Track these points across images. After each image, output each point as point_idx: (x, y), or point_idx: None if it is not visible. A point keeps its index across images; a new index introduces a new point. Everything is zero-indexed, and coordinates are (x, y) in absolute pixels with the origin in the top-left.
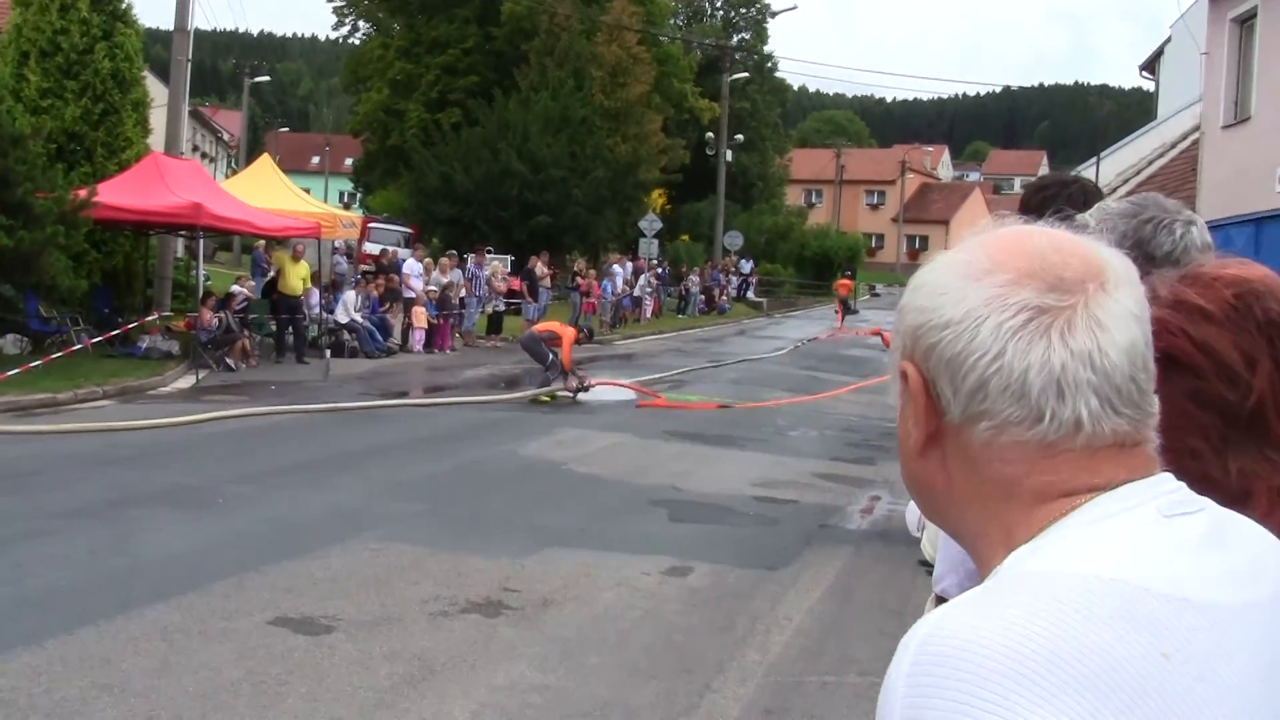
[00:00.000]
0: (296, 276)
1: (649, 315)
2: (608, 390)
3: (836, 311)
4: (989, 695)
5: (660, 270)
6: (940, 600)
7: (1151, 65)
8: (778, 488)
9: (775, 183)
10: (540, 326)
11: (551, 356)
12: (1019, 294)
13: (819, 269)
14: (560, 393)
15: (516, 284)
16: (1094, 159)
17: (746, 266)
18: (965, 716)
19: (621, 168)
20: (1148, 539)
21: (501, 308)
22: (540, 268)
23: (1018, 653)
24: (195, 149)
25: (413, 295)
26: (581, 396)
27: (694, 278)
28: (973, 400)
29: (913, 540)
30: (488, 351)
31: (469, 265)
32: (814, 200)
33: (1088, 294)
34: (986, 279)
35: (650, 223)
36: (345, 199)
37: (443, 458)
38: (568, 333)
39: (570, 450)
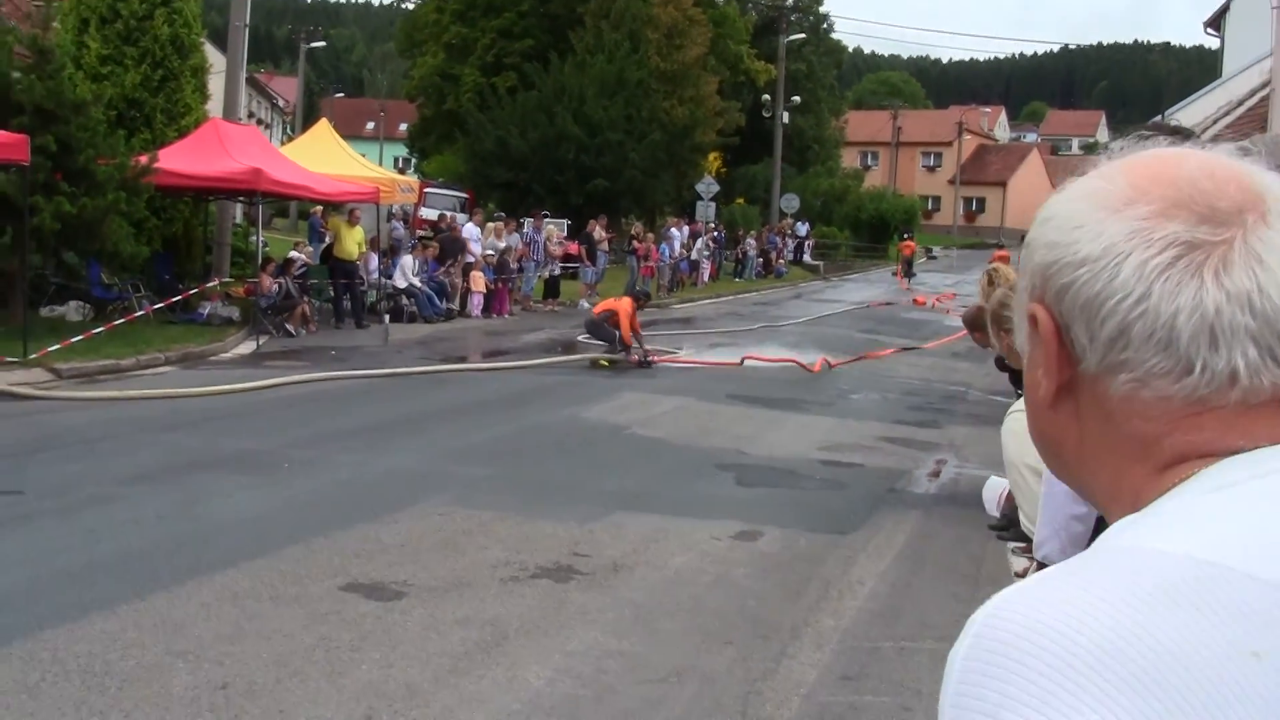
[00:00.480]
0: (353, 241)
1: (706, 279)
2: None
3: (897, 273)
4: (1032, 693)
5: (717, 233)
6: (1041, 568)
7: (1216, 21)
8: (843, 451)
9: (831, 145)
10: (600, 306)
11: (617, 334)
12: (1166, 227)
13: (875, 232)
14: (618, 357)
15: (574, 248)
16: (1157, 117)
17: (803, 229)
18: (1006, 713)
19: (677, 131)
20: (1270, 515)
21: (558, 272)
22: (598, 231)
23: (1071, 644)
24: (251, 115)
25: (471, 260)
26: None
27: (750, 241)
28: (1112, 348)
29: (982, 504)
30: (545, 316)
31: (526, 229)
32: (870, 163)
33: (1246, 226)
34: (1128, 210)
35: (707, 186)
36: (400, 164)
37: (505, 422)
38: (624, 305)
39: (633, 414)
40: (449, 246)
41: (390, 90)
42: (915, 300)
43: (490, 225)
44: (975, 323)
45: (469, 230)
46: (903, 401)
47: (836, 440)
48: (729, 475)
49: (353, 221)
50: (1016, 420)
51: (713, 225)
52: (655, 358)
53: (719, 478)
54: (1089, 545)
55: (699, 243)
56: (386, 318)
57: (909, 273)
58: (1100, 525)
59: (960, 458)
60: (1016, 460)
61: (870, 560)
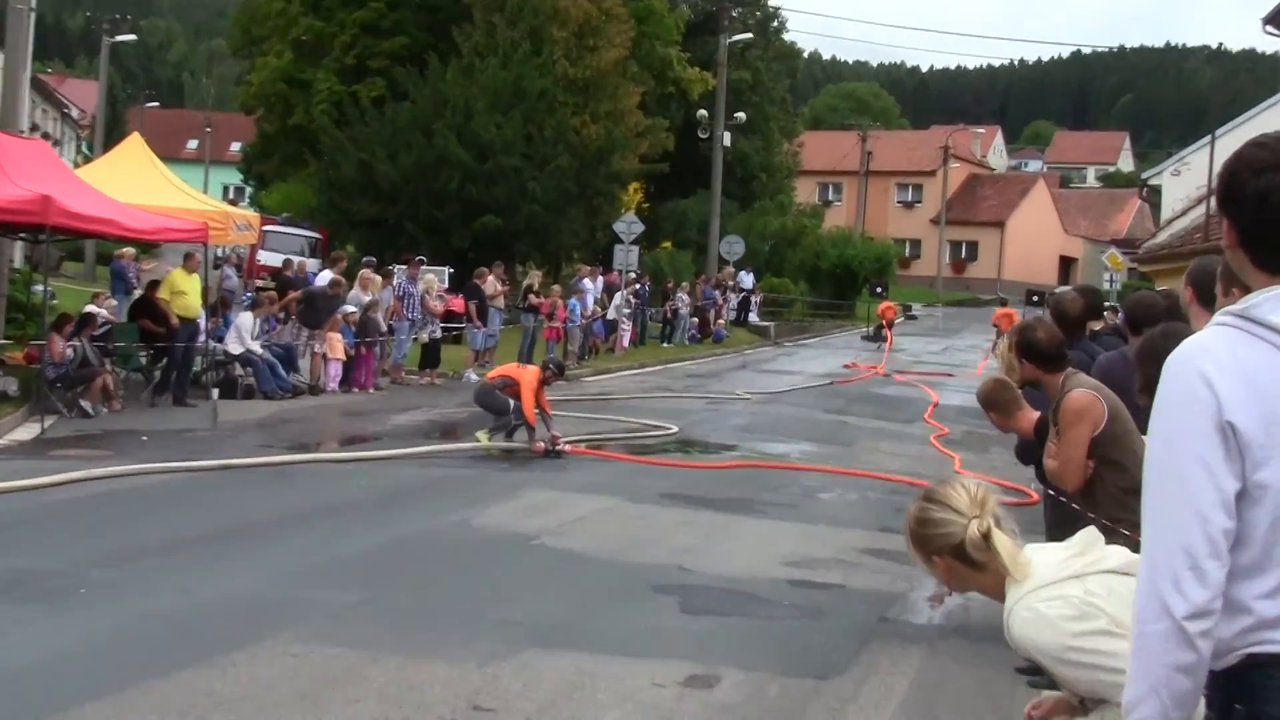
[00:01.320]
0: (195, 294)
1: (626, 344)
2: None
3: (886, 339)
4: None
5: (640, 286)
6: None
7: (1277, 19)
8: (817, 568)
9: (783, 175)
10: (495, 372)
11: (512, 404)
12: None
13: (839, 285)
14: (517, 445)
15: (457, 303)
16: (1207, 138)
17: (748, 281)
18: None
19: (590, 155)
20: None
21: (438, 334)
22: (492, 283)
23: None
24: (35, 128)
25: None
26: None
27: (682, 296)
28: None
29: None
30: (422, 390)
31: (398, 280)
32: (832, 197)
33: None
34: None
35: (628, 225)
36: (232, 194)
37: (377, 530)
38: (527, 374)
39: (542, 519)
40: (320, 304)
41: (219, 100)
42: (881, 372)
43: (363, 275)
44: (993, 399)
45: (323, 278)
46: (888, 502)
47: (807, 553)
48: (671, 600)
49: (191, 268)
50: (1028, 608)
51: (634, 275)
52: (567, 445)
53: (658, 603)
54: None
55: (617, 298)
56: (215, 392)
57: (877, 337)
58: (1213, 679)
59: None
60: (1053, 650)
61: (864, 713)
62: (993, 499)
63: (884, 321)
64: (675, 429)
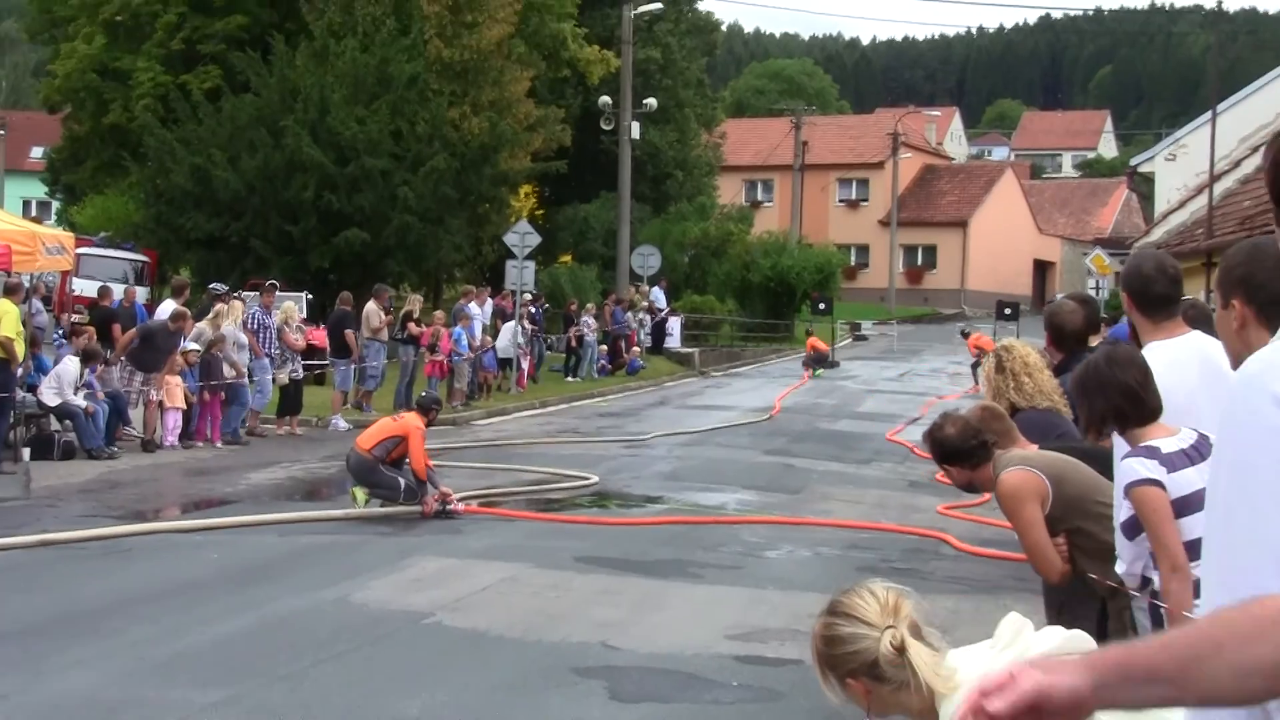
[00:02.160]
0: (11, 329)
1: (525, 380)
2: None
3: (804, 374)
4: None
5: (535, 310)
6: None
7: None
8: (768, 640)
9: (703, 172)
10: (369, 436)
11: (403, 483)
12: None
13: (774, 301)
14: (402, 509)
15: (318, 335)
16: (1206, 116)
17: (660, 299)
18: None
19: (473, 153)
20: None
21: (299, 374)
22: (375, 312)
23: None
24: None
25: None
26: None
27: (588, 320)
28: None
29: None
30: (280, 442)
31: (251, 310)
32: (762, 197)
33: None
34: None
35: (522, 236)
36: (35, 210)
37: (236, 612)
38: (411, 427)
39: (435, 592)
40: (161, 342)
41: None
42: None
43: (220, 307)
44: (961, 443)
45: (164, 310)
46: (846, 560)
47: (755, 623)
48: (596, 685)
49: (10, 291)
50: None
51: (530, 296)
52: (460, 503)
53: (581, 689)
54: None
55: (510, 325)
56: (26, 453)
57: (827, 363)
58: None
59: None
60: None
61: None
62: (907, 603)
63: (817, 353)
64: (591, 479)
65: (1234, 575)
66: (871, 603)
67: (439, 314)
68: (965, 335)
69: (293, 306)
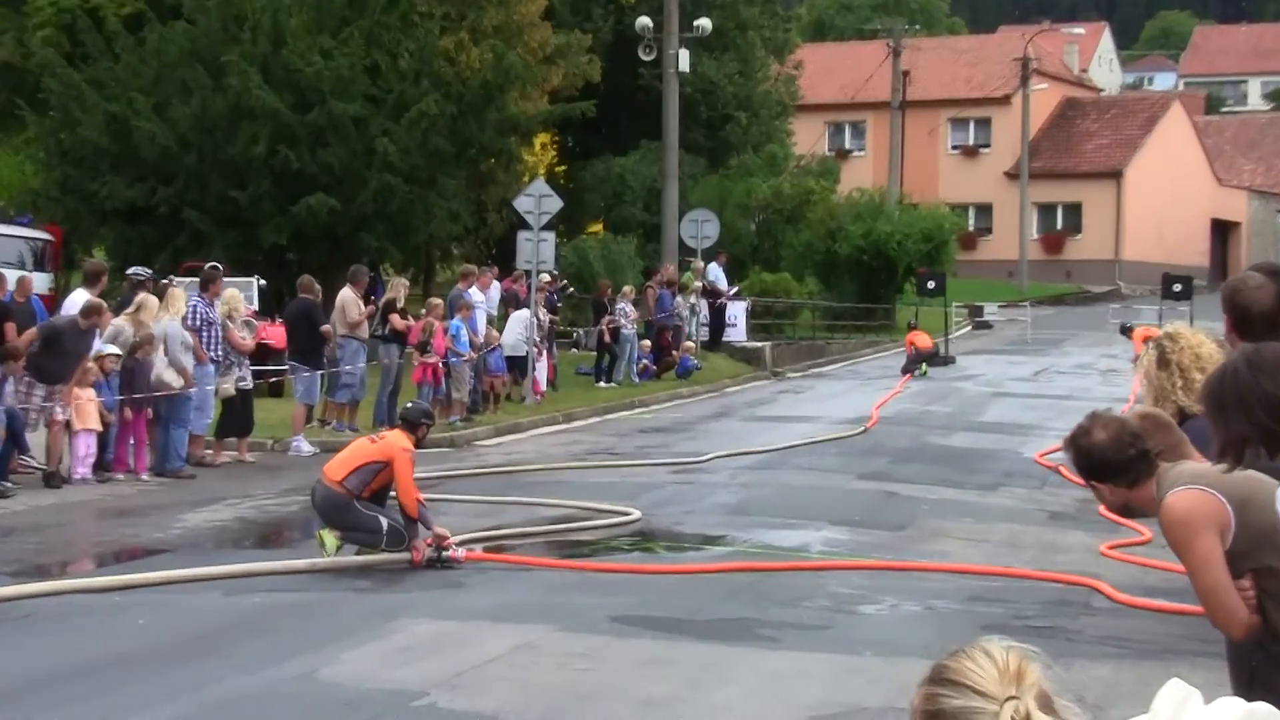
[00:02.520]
0: None
1: (543, 386)
2: None
3: (905, 375)
4: None
5: (553, 295)
6: None
7: None
8: None
9: (773, 113)
10: (341, 464)
11: (386, 523)
12: None
13: (869, 280)
14: (386, 556)
15: (274, 332)
16: None
17: (720, 278)
18: None
19: (472, 94)
20: None
21: (248, 383)
22: (351, 302)
23: None
24: None
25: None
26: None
27: (625, 308)
28: None
29: None
30: (225, 473)
31: (193, 303)
32: (851, 144)
33: None
34: None
35: (539, 200)
36: None
37: (170, 696)
38: (396, 449)
39: (429, 665)
40: (69, 345)
41: None
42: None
43: (144, 298)
44: (1115, 452)
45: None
46: (967, 616)
47: (847, 699)
48: None
49: None
50: None
51: (551, 279)
52: (457, 550)
53: None
54: None
55: (522, 315)
56: None
57: (936, 358)
58: None
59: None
60: None
61: None
62: (1034, 667)
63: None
64: (631, 515)
65: None
66: (988, 667)
67: (435, 302)
68: (1128, 331)
69: (237, 295)
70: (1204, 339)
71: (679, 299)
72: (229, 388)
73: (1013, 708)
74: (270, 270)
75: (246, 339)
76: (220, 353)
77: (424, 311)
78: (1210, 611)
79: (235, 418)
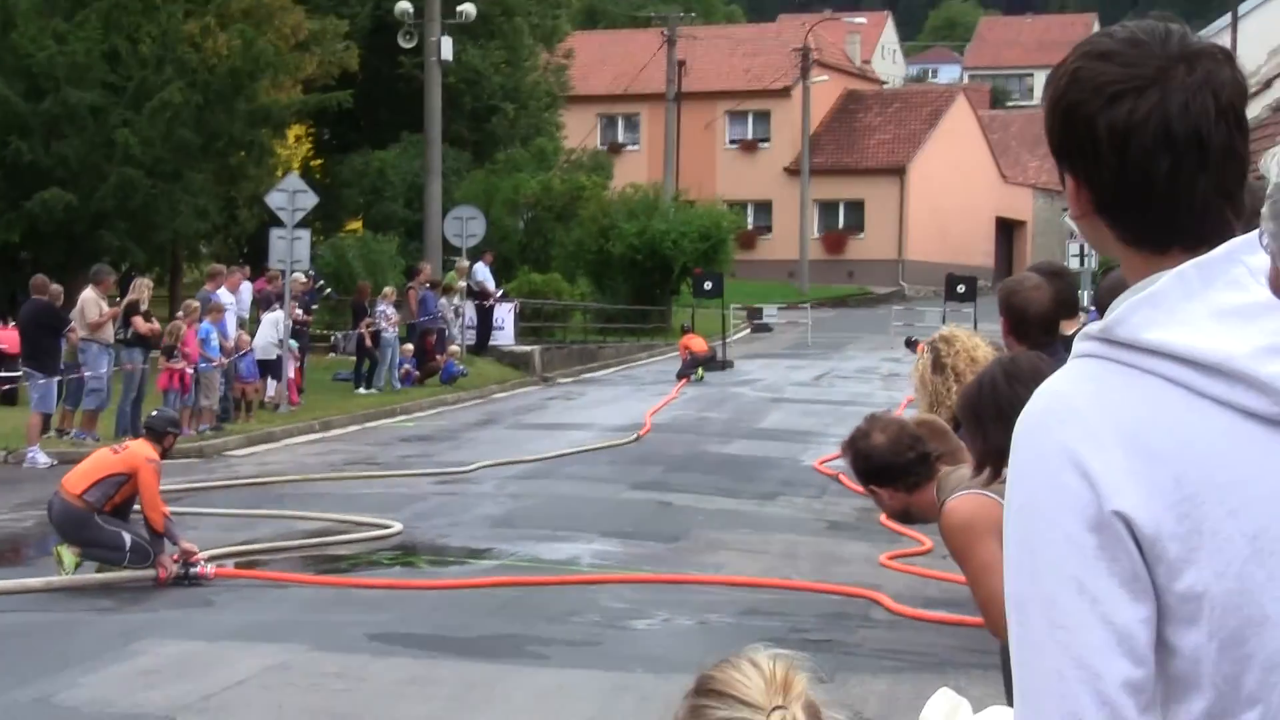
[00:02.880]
0: None
1: (296, 393)
2: None
3: (680, 380)
4: None
5: (310, 295)
6: None
7: None
8: None
9: (542, 104)
10: (79, 478)
11: (129, 539)
12: None
13: (644, 281)
14: (127, 574)
15: (5, 335)
16: (1224, 20)
17: (486, 278)
18: None
19: (221, 81)
20: None
21: None
22: (93, 301)
23: None
24: None
25: None
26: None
27: (386, 310)
28: None
29: None
30: None
31: None
32: (624, 137)
33: None
34: None
35: (293, 196)
36: None
37: None
38: (140, 460)
39: (174, 688)
40: None
41: None
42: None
43: None
44: (895, 455)
45: None
46: (742, 630)
47: (619, 718)
48: None
49: None
50: None
51: (306, 279)
52: (205, 566)
53: None
54: None
55: (273, 317)
56: None
57: (713, 362)
58: None
59: None
60: None
61: None
62: (800, 676)
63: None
64: (393, 527)
65: (1037, 701)
66: (754, 677)
67: (192, 304)
68: (913, 345)
69: None
70: (979, 342)
71: (443, 301)
72: None
73: (780, 717)
74: (1, 270)
75: None
76: None
77: (180, 314)
78: (988, 621)
79: None
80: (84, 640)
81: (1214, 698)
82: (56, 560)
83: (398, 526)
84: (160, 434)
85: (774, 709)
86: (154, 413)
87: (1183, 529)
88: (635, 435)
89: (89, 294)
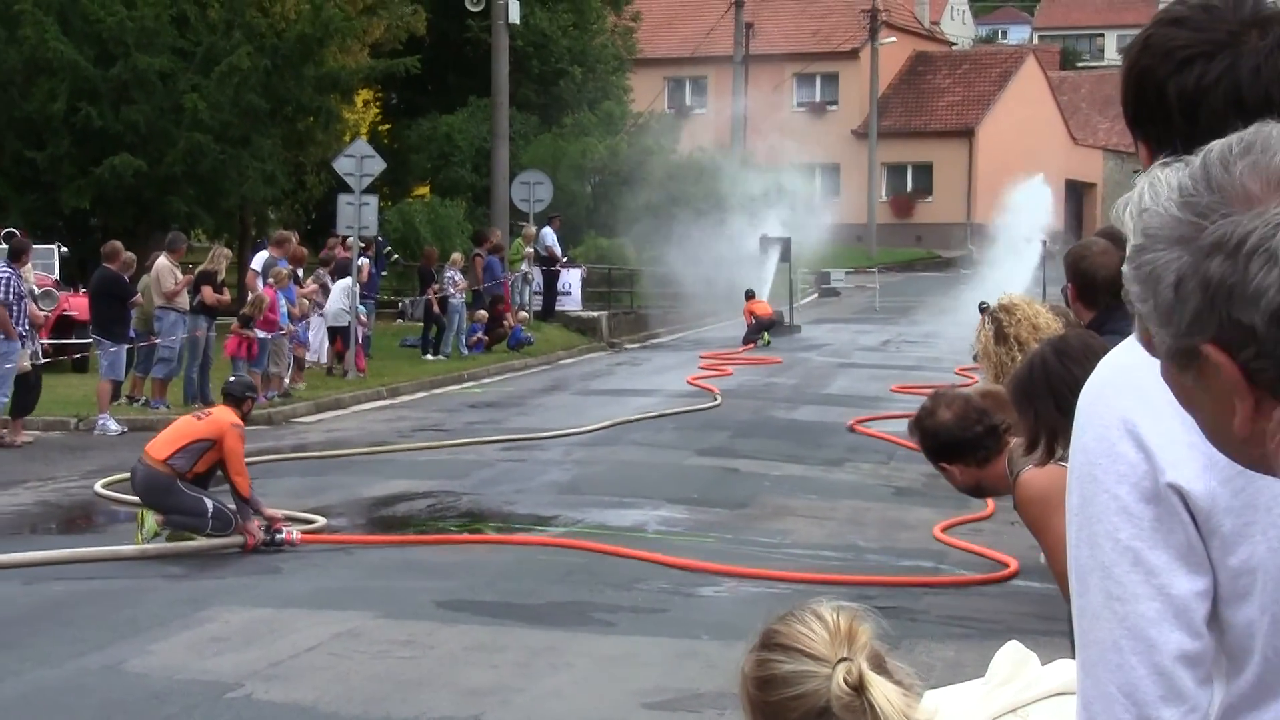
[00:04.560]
0: None
1: (362, 360)
2: None
3: (746, 345)
4: None
5: (377, 261)
6: None
7: None
8: (700, 709)
9: (609, 68)
10: (162, 444)
11: (211, 506)
12: None
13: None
14: (213, 542)
15: (73, 301)
16: None
17: (554, 241)
18: None
19: (288, 47)
20: None
21: (41, 359)
22: (167, 269)
23: None
24: None
25: None
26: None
27: (453, 276)
28: None
29: None
30: (25, 455)
31: (3, 274)
32: (692, 100)
33: None
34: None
35: (360, 161)
36: None
37: None
38: (223, 426)
39: (244, 655)
40: None
41: None
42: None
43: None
44: (962, 430)
45: None
46: (807, 597)
47: (682, 685)
48: None
49: None
50: None
51: (371, 244)
52: (291, 532)
53: None
54: None
55: (345, 284)
56: None
57: (781, 325)
58: None
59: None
60: None
61: None
62: (865, 629)
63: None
64: (460, 493)
65: (1097, 671)
66: (819, 630)
67: (281, 269)
68: (985, 309)
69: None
70: (1040, 309)
71: (505, 266)
72: (26, 364)
73: (845, 669)
74: (71, 236)
75: (44, 311)
76: (27, 326)
77: (270, 280)
78: (1065, 591)
79: (22, 396)
80: (153, 607)
81: (1264, 670)
82: (138, 523)
83: (460, 492)
84: (239, 399)
85: (839, 661)
86: (230, 379)
87: (1237, 503)
88: (715, 400)
89: (163, 262)
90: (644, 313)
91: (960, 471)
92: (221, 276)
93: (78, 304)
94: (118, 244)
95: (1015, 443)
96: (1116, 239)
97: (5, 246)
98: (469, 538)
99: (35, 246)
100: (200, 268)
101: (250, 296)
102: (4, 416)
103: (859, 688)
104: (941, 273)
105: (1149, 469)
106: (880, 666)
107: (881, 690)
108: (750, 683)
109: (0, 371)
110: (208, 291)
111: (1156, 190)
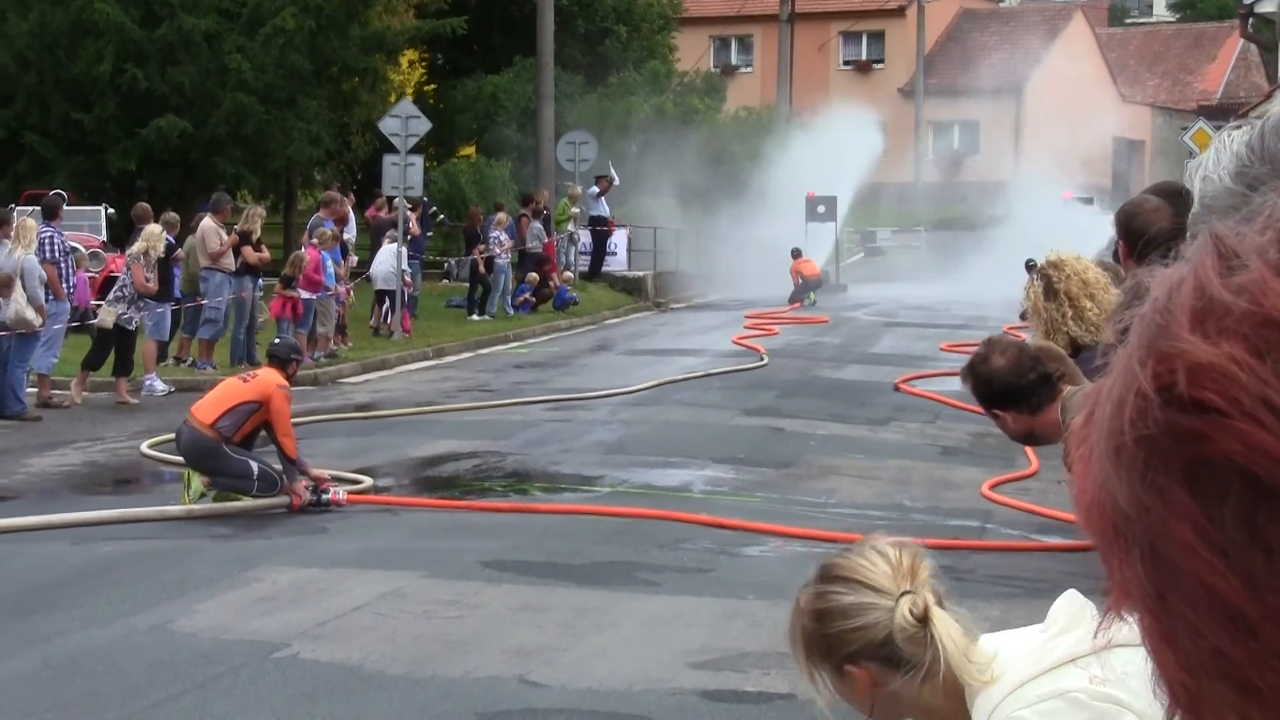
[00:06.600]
0: None
1: (407, 322)
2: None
3: (792, 304)
4: None
5: (425, 222)
6: None
7: None
8: (746, 668)
9: (654, 26)
10: (209, 406)
11: (256, 468)
12: None
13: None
14: (260, 502)
15: (120, 263)
16: None
17: (602, 206)
18: None
19: (334, 8)
20: None
21: (134, 323)
22: (212, 231)
23: None
24: None
25: None
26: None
27: (499, 236)
28: None
29: None
30: (74, 416)
31: (46, 234)
32: (738, 59)
33: None
34: None
35: (406, 122)
36: None
37: (14, 649)
38: (270, 389)
39: (291, 615)
40: None
41: None
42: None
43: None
44: (1016, 377)
45: None
46: None
47: (728, 645)
48: None
49: None
50: None
51: (417, 206)
52: (338, 492)
53: None
54: None
55: (393, 247)
56: None
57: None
58: None
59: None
60: None
61: None
62: (926, 565)
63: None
64: (505, 454)
65: None
66: (880, 564)
67: (327, 230)
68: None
69: (158, 232)
70: (1088, 264)
71: (548, 229)
72: (108, 321)
73: (910, 601)
74: (118, 198)
75: (150, 280)
76: (74, 287)
77: (314, 241)
78: None
79: (107, 353)
80: (200, 567)
81: None
82: (185, 484)
83: (505, 452)
84: (285, 361)
85: (903, 594)
86: (275, 340)
87: None
88: (762, 359)
89: (208, 223)
90: (690, 272)
91: (1013, 419)
92: (257, 235)
93: (118, 263)
94: (146, 206)
95: (1068, 390)
96: (1168, 194)
97: (37, 208)
98: (514, 506)
99: (84, 208)
100: (236, 228)
101: (290, 256)
102: (59, 376)
103: (924, 619)
104: (988, 230)
105: None
106: (940, 603)
107: (945, 625)
108: (806, 615)
109: (49, 332)
110: (248, 251)
111: (1220, 156)
